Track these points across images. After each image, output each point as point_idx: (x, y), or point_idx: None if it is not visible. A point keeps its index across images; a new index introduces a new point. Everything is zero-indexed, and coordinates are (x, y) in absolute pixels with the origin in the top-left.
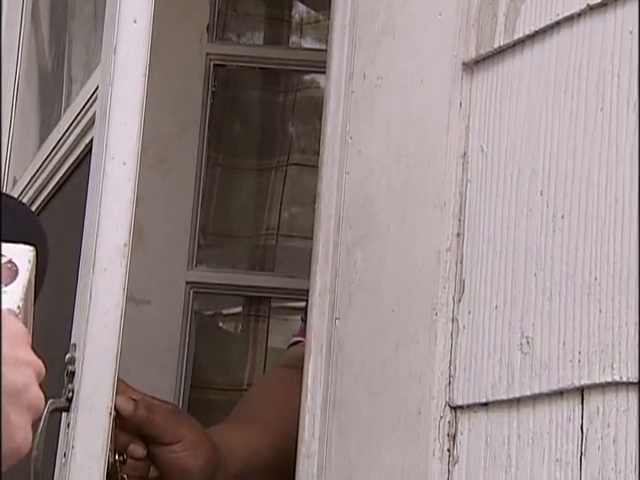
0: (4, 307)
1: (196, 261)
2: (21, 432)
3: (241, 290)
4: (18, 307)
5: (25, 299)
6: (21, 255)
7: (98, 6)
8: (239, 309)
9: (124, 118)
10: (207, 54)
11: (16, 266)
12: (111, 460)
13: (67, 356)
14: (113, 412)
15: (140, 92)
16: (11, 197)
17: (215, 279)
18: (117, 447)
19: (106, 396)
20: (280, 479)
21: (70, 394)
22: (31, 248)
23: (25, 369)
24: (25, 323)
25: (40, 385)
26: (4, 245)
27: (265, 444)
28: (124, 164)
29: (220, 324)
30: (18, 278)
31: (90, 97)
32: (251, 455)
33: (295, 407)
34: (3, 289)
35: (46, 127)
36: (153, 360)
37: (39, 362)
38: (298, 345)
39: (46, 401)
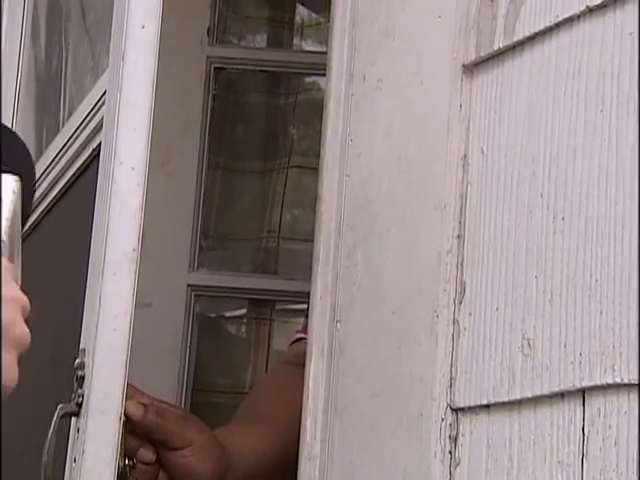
0: None
1: (197, 264)
2: (7, 368)
3: (243, 293)
4: (2, 241)
5: (10, 232)
6: (4, 185)
7: (102, 12)
8: (241, 312)
9: (133, 124)
10: (208, 57)
11: None
12: (121, 465)
13: (77, 361)
14: (123, 417)
15: (148, 98)
16: None
17: (216, 282)
18: (127, 452)
19: (116, 401)
20: (288, 478)
21: (80, 399)
22: (16, 178)
23: (10, 305)
24: (11, 256)
25: (26, 321)
26: None
27: (272, 444)
28: (133, 169)
29: (222, 327)
30: (1, 210)
31: (97, 102)
32: (259, 456)
33: (300, 405)
34: None
35: (44, 134)
36: (155, 363)
37: (24, 297)
38: (301, 342)
39: (56, 406)
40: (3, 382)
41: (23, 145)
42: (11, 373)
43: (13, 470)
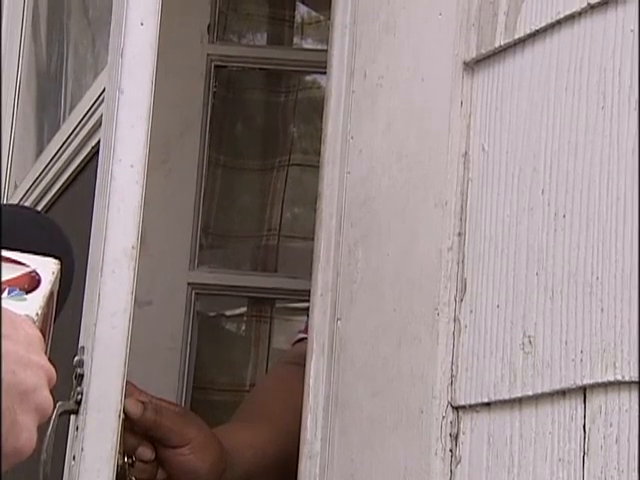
0: (23, 313)
1: (198, 262)
2: (26, 432)
3: (243, 291)
4: (37, 314)
5: (45, 309)
6: (45, 266)
7: (102, 9)
8: (241, 310)
9: (131, 121)
10: (208, 55)
11: (39, 276)
12: (120, 463)
13: (75, 359)
14: (122, 414)
15: (147, 95)
16: (40, 212)
17: (217, 280)
18: (126, 450)
19: (115, 398)
20: (286, 478)
21: (79, 397)
22: (56, 261)
23: (37, 371)
24: (42, 331)
25: (50, 391)
26: (30, 256)
27: (271, 443)
28: (131, 166)
29: (222, 325)
30: (40, 287)
31: (96, 100)
32: (258, 455)
33: (300, 405)
34: (24, 296)
35: (45, 131)
36: (155, 361)
37: (51, 368)
38: (303, 342)
39: (55, 404)
40: (21, 446)
41: (66, 238)
42: (30, 438)
43: (12, 468)
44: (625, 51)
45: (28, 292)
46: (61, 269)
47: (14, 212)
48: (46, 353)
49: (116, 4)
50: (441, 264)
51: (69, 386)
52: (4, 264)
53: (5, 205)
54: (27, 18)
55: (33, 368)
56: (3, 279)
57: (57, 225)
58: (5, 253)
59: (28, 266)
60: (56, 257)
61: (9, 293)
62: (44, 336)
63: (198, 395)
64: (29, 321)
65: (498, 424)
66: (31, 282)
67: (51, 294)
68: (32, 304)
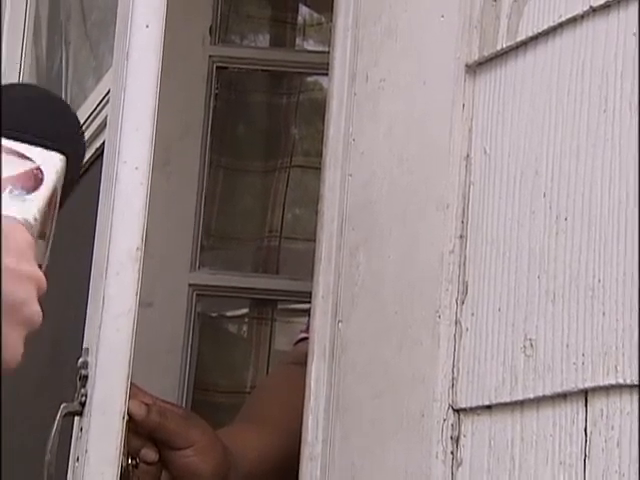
0: (20, 216)
1: (199, 263)
2: (12, 348)
3: (244, 292)
4: (35, 219)
5: (45, 208)
6: (50, 163)
7: (106, 11)
8: (243, 311)
9: (136, 123)
10: (210, 56)
11: (42, 174)
12: (123, 464)
13: (80, 360)
14: (126, 416)
15: (152, 97)
16: (54, 95)
17: (218, 281)
18: (129, 451)
19: (119, 400)
20: (290, 479)
21: (83, 398)
22: (62, 157)
23: (27, 284)
24: (43, 231)
25: (40, 300)
26: (36, 149)
27: (275, 445)
28: (136, 168)
29: (224, 326)
30: (42, 188)
31: (100, 101)
32: (261, 457)
33: (303, 405)
34: (25, 196)
35: None
36: (156, 362)
37: (41, 276)
38: (304, 342)
39: (59, 405)
40: (6, 360)
41: (75, 119)
42: (16, 353)
43: (16, 469)
44: (627, 54)
45: (30, 192)
46: (67, 163)
47: (24, 91)
48: (46, 252)
49: (121, 6)
50: (442, 267)
51: (73, 387)
52: (9, 157)
53: (16, 85)
54: (29, 20)
55: (23, 280)
56: (6, 175)
57: (71, 111)
58: (12, 144)
59: (33, 161)
60: (63, 152)
61: (10, 192)
62: (45, 236)
63: (199, 397)
64: (20, 227)
65: (499, 427)
66: (34, 181)
67: (54, 192)
68: (31, 206)
